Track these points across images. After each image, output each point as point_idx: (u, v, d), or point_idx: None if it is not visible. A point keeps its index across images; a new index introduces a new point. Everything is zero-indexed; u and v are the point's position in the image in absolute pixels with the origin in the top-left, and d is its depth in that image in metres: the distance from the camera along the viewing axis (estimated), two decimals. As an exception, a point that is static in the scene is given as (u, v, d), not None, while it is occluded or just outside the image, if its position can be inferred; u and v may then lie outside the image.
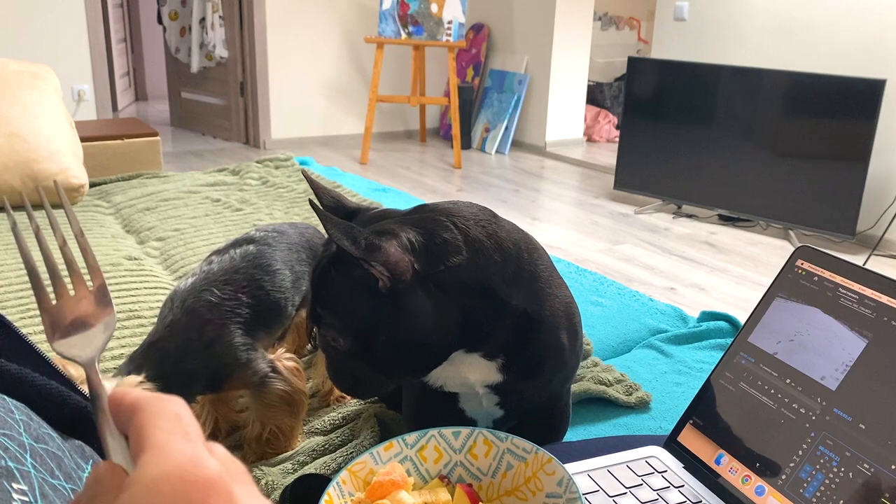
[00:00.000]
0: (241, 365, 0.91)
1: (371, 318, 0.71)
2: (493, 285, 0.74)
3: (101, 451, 0.49)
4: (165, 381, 0.85)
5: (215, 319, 0.91)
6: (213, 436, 1.01)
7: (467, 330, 0.74)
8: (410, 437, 0.66)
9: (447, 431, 0.67)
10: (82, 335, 0.38)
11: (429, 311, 0.71)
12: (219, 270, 0.96)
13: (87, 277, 0.40)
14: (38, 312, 1.39)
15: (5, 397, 0.42)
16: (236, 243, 1.02)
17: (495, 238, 0.76)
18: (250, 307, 0.94)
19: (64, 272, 0.41)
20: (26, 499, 0.35)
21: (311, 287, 0.76)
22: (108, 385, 0.34)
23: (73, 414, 0.49)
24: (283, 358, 0.98)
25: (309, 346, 1.26)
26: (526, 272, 0.78)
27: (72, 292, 0.39)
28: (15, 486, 0.35)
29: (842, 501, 0.64)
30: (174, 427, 0.30)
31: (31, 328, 1.26)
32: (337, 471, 0.90)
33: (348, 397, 1.11)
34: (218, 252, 1.01)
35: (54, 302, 0.39)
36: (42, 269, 0.40)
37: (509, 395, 0.84)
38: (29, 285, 1.52)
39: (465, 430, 0.67)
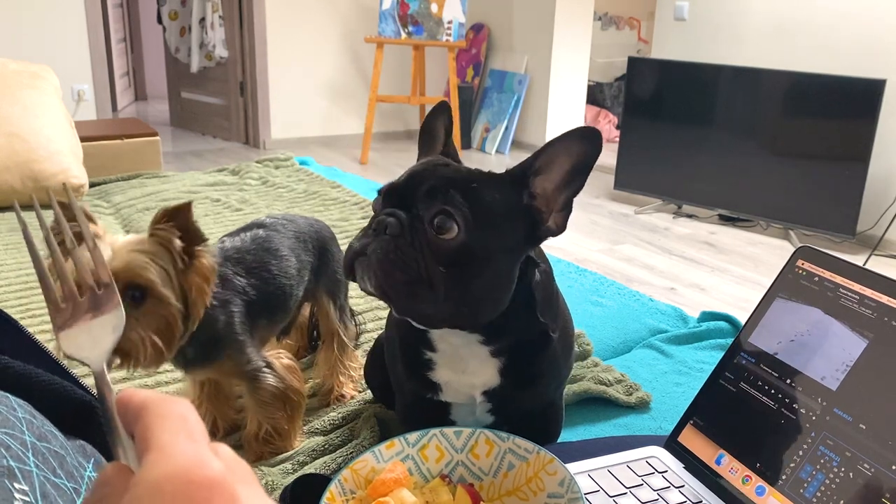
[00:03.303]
0: (236, 342, 0.91)
1: (505, 236, 0.73)
2: (536, 300, 0.79)
3: (103, 450, 0.49)
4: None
5: (225, 291, 0.92)
6: (212, 435, 1.01)
7: (504, 317, 0.76)
8: (412, 436, 0.66)
9: (449, 431, 0.67)
10: (89, 336, 0.38)
11: (514, 276, 0.75)
12: (231, 248, 0.97)
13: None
14: (37, 313, 1.39)
15: (8, 395, 0.42)
16: (247, 227, 1.04)
17: (543, 255, 0.82)
18: (257, 288, 0.95)
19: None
20: (28, 499, 0.35)
21: (454, 174, 0.73)
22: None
23: (77, 410, 0.49)
24: (281, 356, 0.98)
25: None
26: (555, 291, 0.84)
27: (80, 295, 0.39)
28: (16, 485, 0.35)
29: (842, 502, 0.64)
30: (179, 428, 0.30)
31: (33, 328, 1.26)
32: (337, 470, 0.90)
33: (348, 396, 1.11)
34: (230, 235, 1.02)
35: (63, 304, 0.39)
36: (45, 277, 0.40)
37: (503, 401, 0.85)
38: (29, 286, 1.52)
39: (466, 430, 0.67)
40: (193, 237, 0.82)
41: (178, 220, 0.80)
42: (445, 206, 0.69)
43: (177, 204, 0.81)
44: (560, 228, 0.75)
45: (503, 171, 0.75)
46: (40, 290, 1.58)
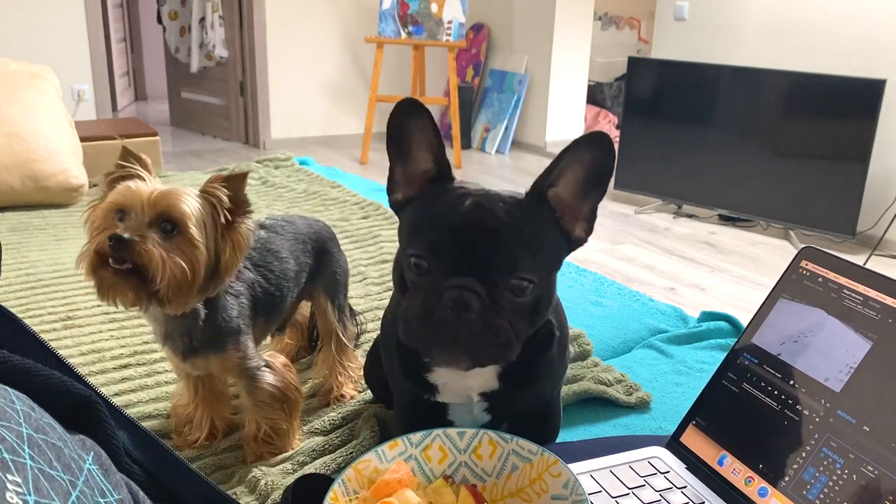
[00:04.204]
0: (241, 335, 0.92)
1: (555, 263, 0.75)
2: None
3: (103, 444, 0.49)
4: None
5: (240, 283, 0.93)
6: (210, 437, 1.01)
7: None
8: (415, 437, 0.66)
9: (452, 431, 0.67)
10: None
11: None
12: None
13: None
14: (37, 312, 1.38)
15: (7, 388, 0.42)
16: None
17: None
18: (261, 286, 0.96)
19: None
20: (20, 489, 0.35)
21: (509, 228, 0.71)
22: None
23: (76, 404, 0.49)
24: (276, 356, 0.99)
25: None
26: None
27: None
28: (9, 476, 0.35)
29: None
30: None
31: (33, 327, 1.26)
32: (338, 470, 0.90)
33: (348, 397, 1.11)
34: None
35: None
36: None
37: (500, 402, 0.85)
38: (29, 285, 1.52)
39: (469, 431, 0.67)
40: (240, 206, 0.85)
41: (231, 185, 0.84)
42: (520, 273, 0.70)
43: (233, 172, 0.85)
44: (588, 234, 0.76)
45: (522, 192, 0.74)
46: (40, 290, 1.56)
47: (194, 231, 0.80)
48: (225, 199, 0.83)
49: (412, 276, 0.72)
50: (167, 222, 0.80)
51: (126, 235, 0.76)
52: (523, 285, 0.70)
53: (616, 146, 4.40)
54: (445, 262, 0.70)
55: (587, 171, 0.72)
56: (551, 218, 0.74)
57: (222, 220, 0.83)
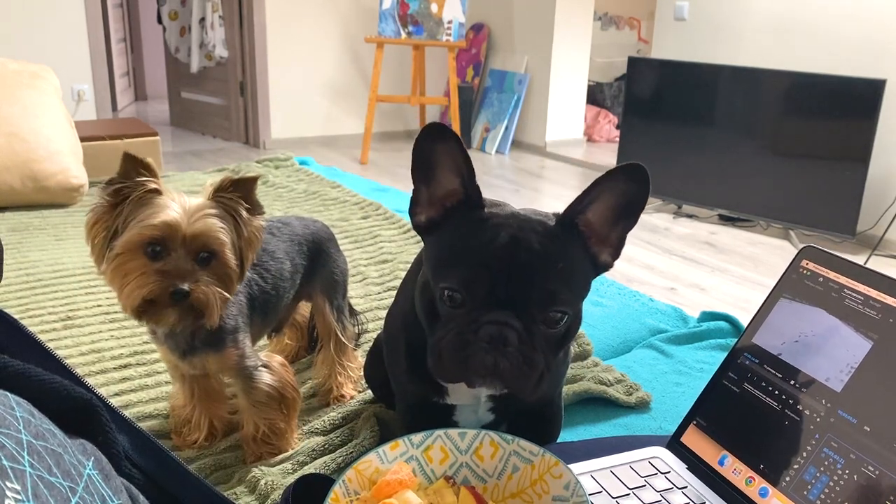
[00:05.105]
0: (240, 334, 0.92)
1: (585, 291, 0.76)
2: None
3: (103, 448, 0.49)
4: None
5: None
6: (209, 437, 1.00)
7: None
8: (416, 437, 0.66)
9: (453, 432, 0.67)
10: None
11: None
12: None
13: None
14: (37, 312, 1.38)
15: (7, 394, 0.42)
16: None
17: None
18: (258, 284, 0.96)
19: None
20: (19, 497, 0.35)
21: (545, 262, 0.71)
22: None
23: (77, 408, 0.49)
24: (273, 357, 0.99)
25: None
26: None
27: None
28: (9, 484, 0.35)
29: None
30: None
31: (33, 328, 1.25)
32: (338, 470, 0.90)
33: (348, 397, 1.11)
34: None
35: None
36: None
37: (505, 401, 0.85)
38: (29, 285, 1.52)
39: (471, 432, 0.67)
40: (252, 208, 0.88)
41: (241, 189, 0.86)
42: (557, 307, 0.70)
43: (243, 176, 0.87)
44: (614, 259, 0.76)
45: (552, 218, 0.75)
46: (40, 290, 1.56)
47: (230, 256, 0.84)
48: (244, 212, 0.86)
49: (445, 309, 0.72)
50: (206, 251, 0.83)
51: (186, 287, 0.79)
52: (558, 317, 0.71)
53: (616, 146, 4.41)
54: (481, 296, 0.70)
55: (620, 200, 0.72)
56: (581, 244, 0.74)
57: (245, 233, 0.86)
